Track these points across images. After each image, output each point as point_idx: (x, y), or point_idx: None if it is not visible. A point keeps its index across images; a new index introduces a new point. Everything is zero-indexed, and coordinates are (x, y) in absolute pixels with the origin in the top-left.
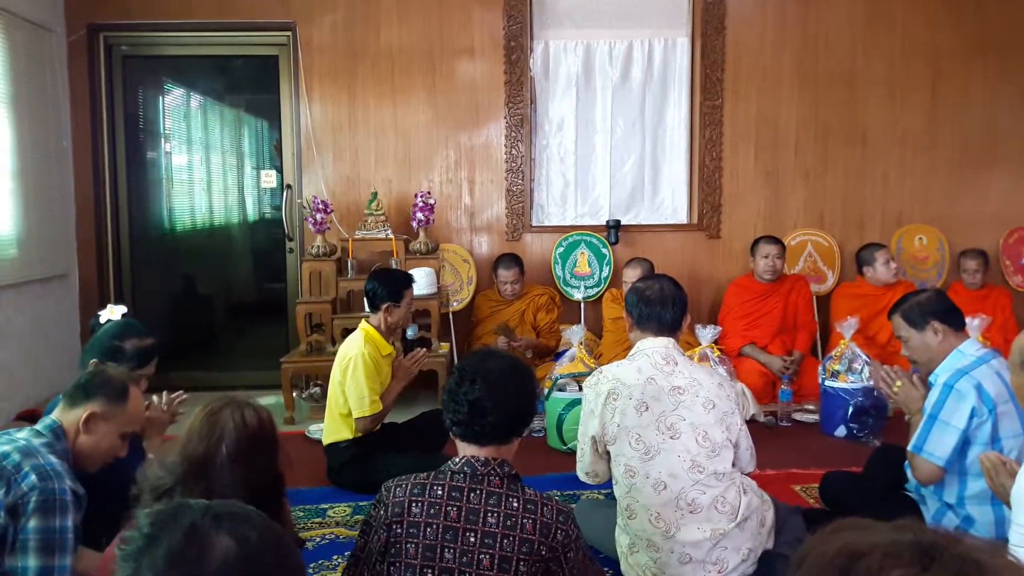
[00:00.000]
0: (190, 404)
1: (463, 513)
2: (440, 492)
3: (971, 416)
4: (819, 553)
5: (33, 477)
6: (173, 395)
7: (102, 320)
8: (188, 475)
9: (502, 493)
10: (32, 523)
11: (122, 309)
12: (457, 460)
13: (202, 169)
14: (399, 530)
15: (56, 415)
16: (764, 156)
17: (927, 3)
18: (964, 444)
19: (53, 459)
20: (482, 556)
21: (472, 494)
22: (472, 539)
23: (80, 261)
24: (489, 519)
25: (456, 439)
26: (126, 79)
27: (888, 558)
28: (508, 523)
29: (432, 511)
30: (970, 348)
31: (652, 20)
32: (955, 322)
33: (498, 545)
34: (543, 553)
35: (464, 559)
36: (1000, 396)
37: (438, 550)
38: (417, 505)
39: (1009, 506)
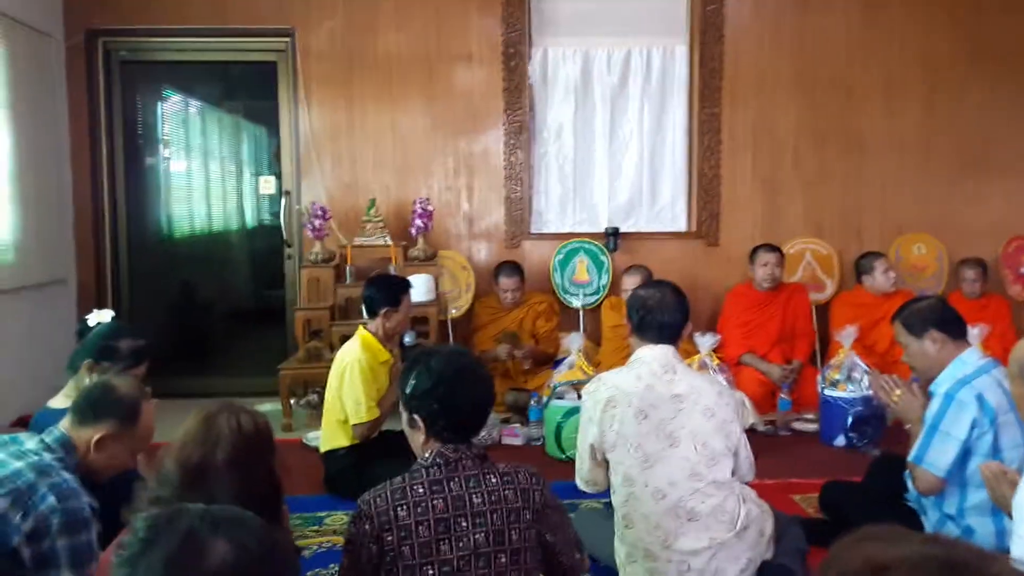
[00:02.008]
0: (188, 410)
1: (449, 502)
2: (421, 490)
3: (972, 427)
4: (844, 561)
5: (52, 499)
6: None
7: (90, 324)
8: (184, 482)
9: (478, 473)
10: (61, 542)
11: (110, 313)
12: (427, 456)
13: (200, 175)
14: (391, 538)
15: (65, 428)
16: (762, 164)
17: (924, 11)
18: (965, 455)
19: (67, 475)
20: (477, 536)
21: (451, 482)
22: (464, 523)
23: (78, 266)
24: (474, 499)
25: (431, 439)
26: (124, 85)
27: None
28: (492, 498)
29: (419, 510)
30: (971, 357)
31: (651, 28)
32: (955, 331)
33: (489, 521)
34: (528, 517)
35: (460, 544)
36: (1001, 407)
37: (434, 545)
38: (402, 508)
39: (1011, 516)
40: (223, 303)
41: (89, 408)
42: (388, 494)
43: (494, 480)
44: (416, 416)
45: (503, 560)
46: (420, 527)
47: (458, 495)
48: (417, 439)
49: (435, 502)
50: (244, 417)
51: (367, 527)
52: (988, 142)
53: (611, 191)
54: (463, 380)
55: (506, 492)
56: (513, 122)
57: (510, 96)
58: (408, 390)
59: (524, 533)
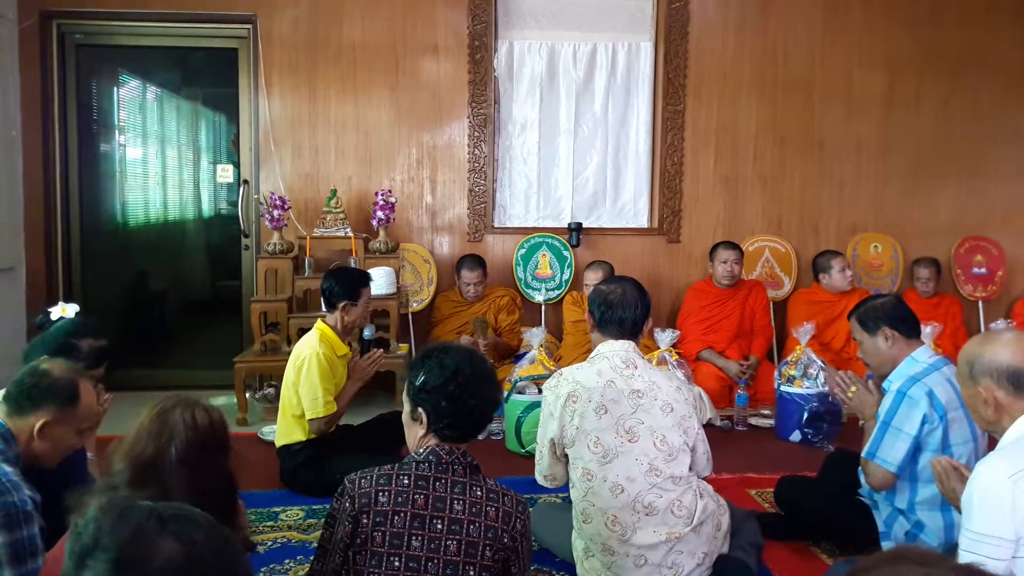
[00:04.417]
0: (142, 404)
1: (430, 501)
2: (407, 481)
3: (922, 423)
4: None
5: None
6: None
7: (52, 317)
8: (136, 477)
9: (466, 482)
10: None
11: (75, 307)
12: (421, 451)
13: (157, 162)
14: (366, 520)
15: (2, 418)
16: (724, 162)
17: (884, 16)
18: (915, 450)
19: (7, 468)
20: (449, 542)
21: (438, 483)
22: (439, 526)
23: (28, 254)
24: (455, 506)
25: (431, 434)
26: (80, 69)
27: None
28: (473, 510)
29: (399, 500)
30: (922, 355)
31: (616, 24)
32: (907, 330)
33: (464, 531)
34: (504, 540)
35: (431, 546)
36: (951, 403)
37: (405, 538)
38: (384, 495)
39: (959, 511)
40: (178, 293)
41: (24, 396)
42: (374, 477)
43: (479, 494)
44: (421, 409)
45: (472, 573)
46: (396, 517)
47: (440, 496)
48: (416, 432)
49: (416, 497)
50: (199, 412)
51: (347, 504)
52: (943, 145)
53: (575, 186)
54: (476, 381)
55: (488, 509)
56: (478, 115)
57: (475, 89)
58: (417, 383)
59: (497, 554)
